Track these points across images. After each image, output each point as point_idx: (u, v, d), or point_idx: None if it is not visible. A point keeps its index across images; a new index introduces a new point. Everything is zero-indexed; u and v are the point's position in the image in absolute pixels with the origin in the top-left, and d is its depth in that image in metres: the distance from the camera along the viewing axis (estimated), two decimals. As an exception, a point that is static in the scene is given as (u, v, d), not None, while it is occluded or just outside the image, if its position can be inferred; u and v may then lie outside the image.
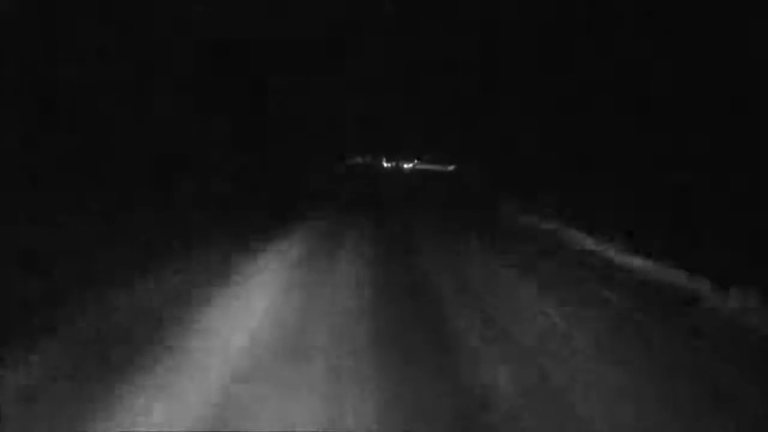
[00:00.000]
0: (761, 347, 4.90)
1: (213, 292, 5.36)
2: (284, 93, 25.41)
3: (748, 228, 7.97)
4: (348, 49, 29.90)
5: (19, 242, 6.82)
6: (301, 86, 27.48)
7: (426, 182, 32.15)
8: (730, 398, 3.65)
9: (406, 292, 5.93)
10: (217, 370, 3.52)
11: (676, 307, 6.05)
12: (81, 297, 4.80)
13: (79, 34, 11.17)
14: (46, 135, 10.44)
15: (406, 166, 51.23)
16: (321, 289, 5.75)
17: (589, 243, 9.83)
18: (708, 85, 9.66)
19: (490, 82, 21.62)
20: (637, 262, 8.11)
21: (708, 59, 9.66)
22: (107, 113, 12.24)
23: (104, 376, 3.31)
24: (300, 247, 8.17)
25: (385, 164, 51.95)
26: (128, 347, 3.81)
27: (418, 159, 53.24)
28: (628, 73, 11.71)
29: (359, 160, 49.56)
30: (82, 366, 3.50)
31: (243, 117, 21.29)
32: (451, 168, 43.77)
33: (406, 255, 8.32)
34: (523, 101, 18.37)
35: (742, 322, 5.46)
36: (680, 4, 10.37)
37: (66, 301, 4.65)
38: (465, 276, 7.04)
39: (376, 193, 22.09)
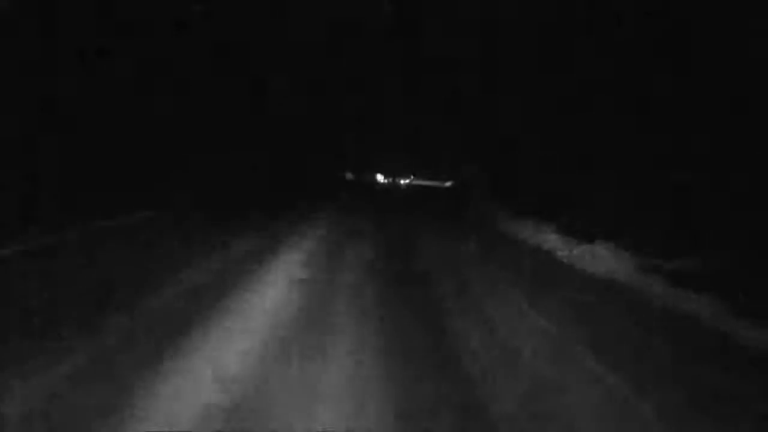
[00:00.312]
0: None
1: (213, 294, 5.35)
2: (284, 93, 25.46)
3: (748, 228, 7.96)
4: (348, 49, 29.93)
5: (19, 242, 6.82)
6: (301, 86, 27.54)
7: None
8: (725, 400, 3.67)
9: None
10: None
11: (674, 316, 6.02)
12: (80, 297, 4.82)
13: (79, 34, 11.19)
14: (46, 135, 10.46)
15: (402, 182, 50.06)
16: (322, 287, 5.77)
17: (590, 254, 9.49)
18: (708, 85, 9.63)
19: (490, 82, 21.58)
20: (636, 275, 7.98)
21: (708, 59, 9.64)
22: (107, 113, 12.26)
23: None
24: (299, 249, 8.19)
25: (380, 180, 49.56)
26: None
27: (413, 175, 52.25)
28: (628, 73, 11.68)
29: (350, 175, 46.48)
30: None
31: (243, 117, 21.33)
32: (448, 184, 42.95)
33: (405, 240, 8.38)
34: (523, 101, 18.33)
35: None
36: (680, 4, 10.36)
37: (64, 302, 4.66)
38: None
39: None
